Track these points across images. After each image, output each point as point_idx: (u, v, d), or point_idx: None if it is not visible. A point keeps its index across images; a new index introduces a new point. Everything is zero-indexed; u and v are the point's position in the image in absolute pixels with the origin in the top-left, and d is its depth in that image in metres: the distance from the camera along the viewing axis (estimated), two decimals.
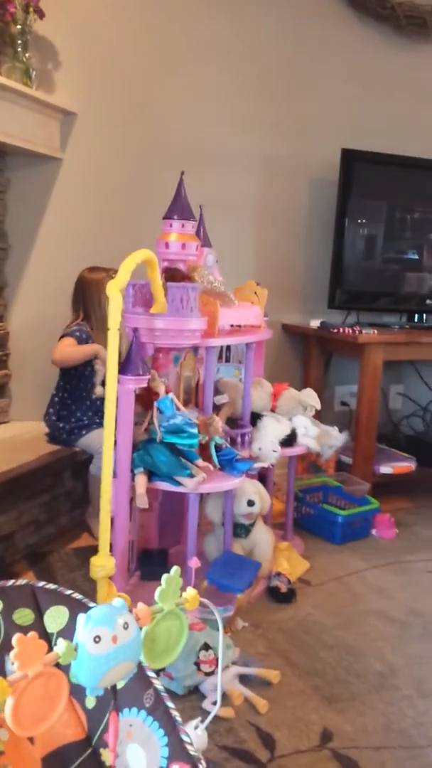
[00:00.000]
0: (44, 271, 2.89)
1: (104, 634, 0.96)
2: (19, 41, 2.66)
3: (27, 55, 2.69)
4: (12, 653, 0.87)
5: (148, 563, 2.28)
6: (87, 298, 2.66)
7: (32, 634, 0.89)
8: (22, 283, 2.90)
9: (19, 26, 2.64)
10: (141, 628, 1.02)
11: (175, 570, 1.09)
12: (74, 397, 2.65)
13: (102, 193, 2.97)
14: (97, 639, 0.95)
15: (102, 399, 2.63)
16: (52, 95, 2.83)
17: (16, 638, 0.87)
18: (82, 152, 2.92)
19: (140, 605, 1.04)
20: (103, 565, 1.87)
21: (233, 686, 1.72)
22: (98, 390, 2.61)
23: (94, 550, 1.96)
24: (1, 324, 2.86)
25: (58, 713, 0.91)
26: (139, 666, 1.16)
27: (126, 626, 0.98)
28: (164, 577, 1.07)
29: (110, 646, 0.96)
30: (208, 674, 1.71)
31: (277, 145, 3.27)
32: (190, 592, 1.11)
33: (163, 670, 1.69)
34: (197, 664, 1.72)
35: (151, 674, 1.22)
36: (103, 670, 0.95)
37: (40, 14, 2.69)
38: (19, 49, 2.67)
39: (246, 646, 1.92)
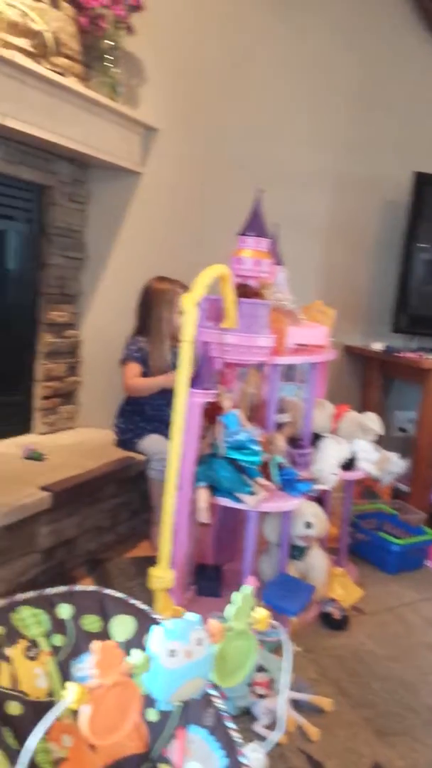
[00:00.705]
0: (118, 282, 2.95)
1: (179, 649, 0.97)
2: (109, 56, 2.74)
3: (115, 70, 2.76)
4: (92, 660, 0.89)
5: (203, 578, 2.29)
6: (148, 308, 2.70)
7: (112, 642, 0.91)
8: (96, 292, 2.97)
9: (109, 42, 2.72)
10: (213, 646, 1.03)
11: (249, 589, 1.09)
12: (135, 407, 2.70)
13: (178, 207, 3.02)
14: (171, 652, 0.96)
15: (161, 409, 2.66)
16: (136, 110, 2.89)
17: (96, 646, 0.89)
18: (161, 167, 2.97)
19: (213, 622, 1.05)
20: (162, 576, 1.90)
21: (286, 711, 1.71)
22: None
23: (151, 560, 2.00)
24: (73, 332, 2.93)
25: (130, 724, 0.93)
26: None
27: (200, 642, 1.00)
28: (237, 595, 1.08)
29: (184, 661, 0.98)
30: (261, 696, 1.71)
31: (350, 164, 3.26)
32: (261, 612, 1.12)
33: (215, 687, 1.69)
34: (251, 685, 1.71)
35: (213, 693, 1.22)
36: (176, 685, 0.96)
37: (130, 30, 2.76)
38: (108, 64, 2.74)
39: (298, 672, 1.91)
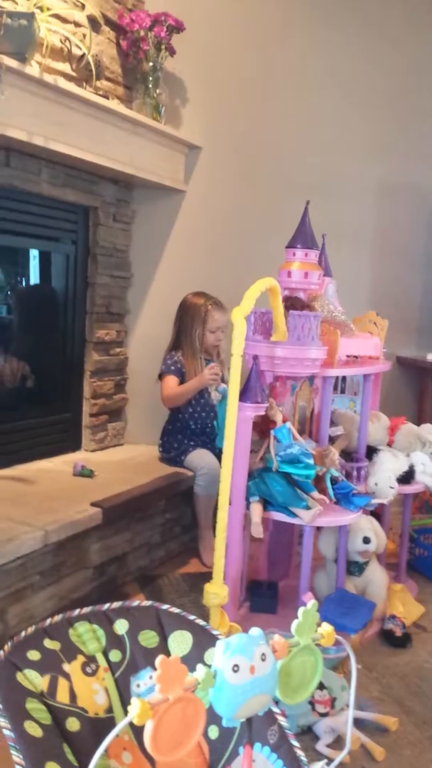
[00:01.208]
0: (163, 299, 2.96)
1: (243, 664, 0.93)
2: (151, 78, 2.77)
3: (157, 91, 2.79)
4: (155, 675, 0.87)
5: (257, 595, 2.25)
6: (182, 322, 2.73)
7: (175, 657, 0.88)
8: (142, 310, 2.99)
9: (150, 63, 2.75)
10: (277, 662, 0.99)
11: (312, 604, 1.05)
12: (179, 423, 2.71)
13: (223, 223, 3.02)
14: (235, 668, 0.93)
15: (205, 423, 2.66)
16: (179, 129, 2.92)
17: (159, 660, 0.87)
18: (204, 184, 2.99)
19: (277, 637, 1.02)
20: (217, 593, 1.86)
21: (350, 730, 1.65)
22: (214, 395, 2.64)
23: (203, 576, 1.97)
24: (121, 350, 2.94)
25: (194, 740, 0.90)
26: None
27: (263, 658, 0.96)
28: (301, 610, 1.04)
29: (248, 677, 0.94)
30: (322, 715, 1.66)
31: (398, 173, 3.22)
32: (326, 627, 1.07)
33: (276, 704, 1.65)
34: (312, 703, 1.66)
35: (276, 710, 1.19)
36: (241, 701, 0.93)
37: (171, 52, 2.79)
38: (150, 85, 2.78)
39: (360, 690, 1.85)
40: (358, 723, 1.69)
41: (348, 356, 2.34)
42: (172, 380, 2.66)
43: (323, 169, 3.09)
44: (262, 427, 2.12)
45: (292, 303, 2.17)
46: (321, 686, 1.68)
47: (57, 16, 2.31)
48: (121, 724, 0.83)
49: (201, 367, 2.66)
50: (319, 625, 1.07)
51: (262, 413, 2.04)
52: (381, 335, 2.45)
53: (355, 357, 2.39)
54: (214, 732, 1.24)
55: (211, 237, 3.01)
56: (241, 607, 2.23)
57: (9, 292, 2.78)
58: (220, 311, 2.68)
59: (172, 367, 2.68)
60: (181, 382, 2.67)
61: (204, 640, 1.31)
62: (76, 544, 2.11)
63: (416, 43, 3.18)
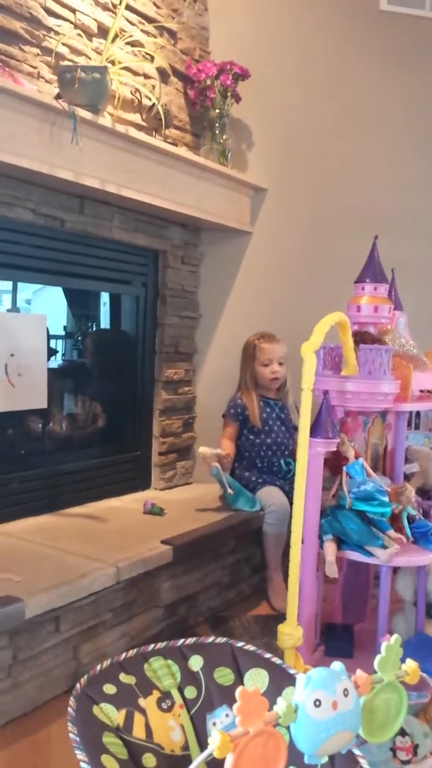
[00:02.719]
0: (230, 338, 2.98)
1: (324, 699, 0.90)
2: (217, 124, 2.85)
3: (224, 137, 2.86)
4: (235, 707, 0.84)
5: (332, 638, 2.17)
6: (242, 363, 2.75)
7: (255, 689, 0.86)
8: (209, 349, 3.02)
9: (217, 110, 2.83)
10: (360, 698, 0.95)
11: (395, 639, 1.01)
12: (241, 461, 2.72)
13: (289, 262, 3.04)
14: (317, 703, 0.90)
15: (272, 461, 2.63)
16: (245, 173, 2.97)
17: (239, 691, 0.84)
18: (270, 225, 3.02)
19: (359, 672, 0.98)
20: (291, 634, 1.81)
21: None
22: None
23: (275, 619, 1.92)
24: (189, 388, 2.97)
25: None
26: None
27: (346, 693, 0.92)
28: (384, 645, 1.00)
29: (330, 713, 0.90)
30: (404, 762, 1.57)
31: None
32: (411, 664, 1.03)
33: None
34: (393, 750, 1.58)
35: (358, 752, 1.13)
36: (323, 737, 0.89)
37: (237, 99, 2.87)
38: (217, 132, 2.86)
39: None
40: None
41: (422, 391, 2.29)
42: (228, 428, 2.71)
43: (390, 207, 3.08)
44: (334, 463, 2.08)
45: (362, 337, 2.15)
46: (403, 732, 1.60)
47: (128, 69, 2.42)
48: (202, 757, 0.81)
49: (256, 406, 2.69)
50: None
51: (334, 449, 2.00)
52: None
53: (429, 391, 2.34)
54: None
55: (278, 277, 3.03)
56: (316, 650, 2.16)
57: (80, 336, 2.86)
58: (268, 342, 2.68)
59: (231, 410, 2.72)
60: (243, 422, 2.69)
61: (281, 678, 1.27)
62: (147, 582, 2.10)
63: None
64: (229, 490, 2.53)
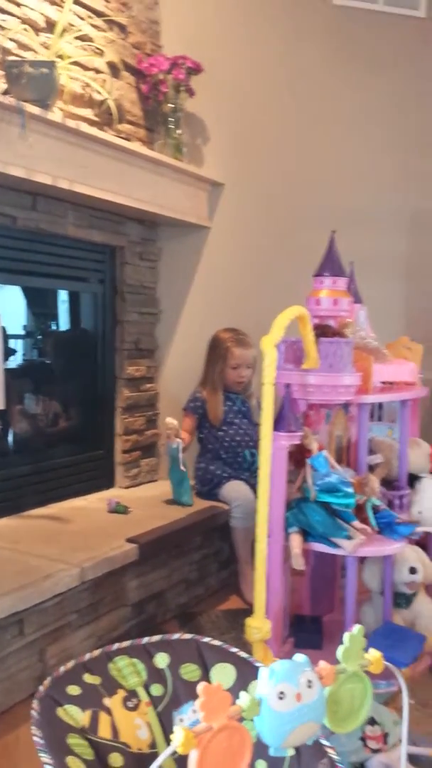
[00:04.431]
0: (192, 334, 2.97)
1: (288, 691, 0.89)
2: (171, 119, 2.83)
3: (178, 131, 2.84)
4: (197, 702, 0.83)
5: (301, 630, 2.17)
6: (208, 357, 2.75)
7: (217, 683, 0.85)
8: (171, 345, 3.00)
9: (170, 105, 2.81)
10: (324, 689, 0.94)
11: (358, 628, 1.01)
12: (205, 453, 2.72)
13: (248, 257, 3.03)
14: (281, 695, 0.89)
15: (237, 454, 2.63)
16: (201, 168, 2.96)
17: (202, 687, 0.83)
18: (229, 219, 3.02)
19: (323, 663, 0.97)
20: (259, 627, 1.81)
21: (404, 766, 1.56)
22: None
23: (243, 613, 1.91)
24: (151, 385, 2.95)
25: None
26: None
27: (310, 684, 0.92)
28: (347, 635, 1.00)
29: (294, 704, 0.89)
30: (375, 751, 1.58)
31: (426, 200, 3.20)
32: (374, 653, 1.02)
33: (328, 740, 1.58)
34: (363, 739, 1.59)
35: (326, 743, 1.13)
36: (288, 729, 0.88)
37: (191, 93, 2.85)
38: (171, 126, 2.83)
39: (413, 726, 1.75)
40: (413, 759, 1.61)
41: (383, 383, 2.30)
42: (187, 421, 2.71)
43: (350, 201, 3.09)
44: (298, 456, 2.08)
45: (322, 330, 2.15)
46: (373, 721, 1.61)
47: (77, 64, 2.38)
48: (165, 754, 0.79)
49: (221, 403, 2.70)
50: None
51: (297, 442, 2.00)
52: (416, 360, 2.41)
53: (391, 383, 2.35)
54: (261, 766, 1.18)
55: (238, 271, 3.02)
56: (285, 643, 2.16)
57: (40, 335, 2.81)
58: (241, 347, 2.68)
59: (191, 404, 2.73)
60: (202, 416, 2.71)
61: (247, 672, 1.26)
62: (113, 581, 2.08)
63: None
64: (182, 467, 2.54)
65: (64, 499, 2.56)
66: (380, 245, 3.12)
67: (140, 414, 2.90)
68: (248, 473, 2.64)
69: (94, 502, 2.59)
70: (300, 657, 0.95)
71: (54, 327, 2.86)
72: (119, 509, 2.44)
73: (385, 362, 2.24)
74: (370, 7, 3.09)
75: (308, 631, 2.16)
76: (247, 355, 2.68)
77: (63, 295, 2.85)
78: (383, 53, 3.13)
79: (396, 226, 3.18)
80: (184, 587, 2.45)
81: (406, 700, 1.09)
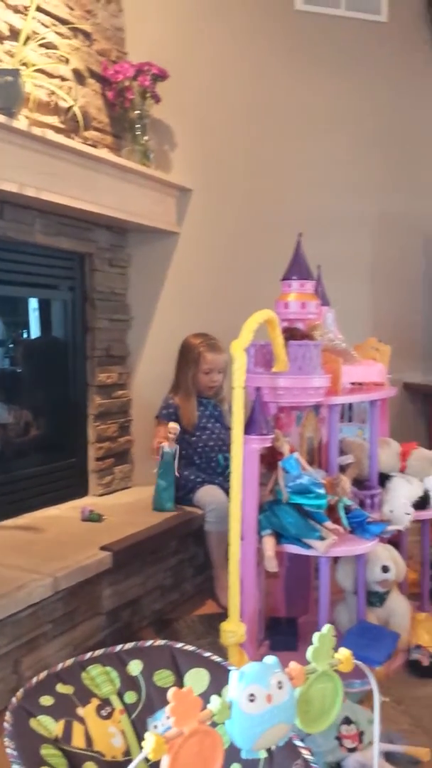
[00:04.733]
0: (163, 340, 2.97)
1: (258, 693, 0.90)
2: (138, 125, 2.83)
3: (145, 137, 2.84)
4: (167, 708, 0.83)
5: (276, 632, 2.18)
6: (179, 362, 2.76)
7: (188, 688, 0.85)
8: (143, 352, 3.00)
9: (137, 111, 2.81)
10: (295, 689, 0.95)
11: (327, 628, 1.02)
12: (182, 460, 2.68)
13: (218, 262, 3.05)
14: (251, 697, 0.89)
15: (211, 459, 2.64)
16: (169, 173, 2.97)
17: (172, 692, 0.83)
18: (197, 225, 3.03)
19: (293, 664, 0.98)
20: (234, 631, 1.82)
21: (381, 764, 1.58)
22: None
23: (219, 617, 1.92)
24: (123, 392, 2.94)
25: None
26: None
27: (280, 686, 0.92)
28: (316, 635, 1.01)
29: (265, 706, 0.90)
30: (350, 750, 1.59)
31: (391, 203, 3.26)
32: (344, 652, 1.04)
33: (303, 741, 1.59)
34: (339, 738, 1.60)
35: (299, 743, 1.14)
36: (259, 731, 0.89)
37: (157, 99, 2.86)
38: (138, 133, 2.83)
39: (389, 723, 1.78)
40: (389, 757, 1.62)
41: (352, 384, 2.33)
42: (159, 428, 2.69)
43: (317, 206, 3.13)
44: (270, 459, 2.09)
45: (291, 333, 2.16)
46: (348, 721, 1.62)
47: (42, 71, 2.38)
48: (136, 761, 0.80)
49: (194, 409, 2.70)
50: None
51: (269, 445, 2.01)
52: (384, 361, 2.44)
53: (360, 384, 2.38)
54: (235, 767, 1.18)
55: (208, 276, 3.04)
56: (261, 645, 2.17)
57: (11, 344, 2.79)
58: (213, 352, 2.69)
59: (164, 411, 2.72)
60: (180, 425, 2.66)
61: (221, 676, 1.26)
62: (87, 590, 2.07)
63: (396, 75, 3.26)
64: (176, 473, 2.56)
65: (37, 508, 2.54)
66: (346, 248, 3.16)
67: (113, 421, 2.89)
68: (222, 477, 2.64)
69: (68, 510, 2.57)
70: (270, 659, 0.96)
71: (24, 335, 2.84)
72: (93, 517, 2.43)
73: (354, 363, 2.26)
74: (333, 12, 3.14)
75: (283, 633, 2.16)
76: (219, 359, 2.69)
77: (33, 303, 2.84)
78: (346, 57, 3.18)
79: (361, 228, 3.23)
80: (160, 593, 2.44)
81: (377, 698, 1.10)
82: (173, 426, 2.54)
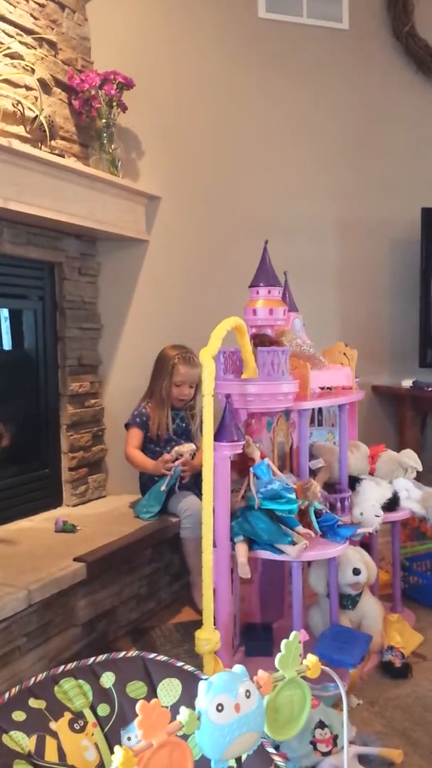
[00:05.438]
0: (135, 348, 2.98)
1: (226, 702, 0.91)
2: (105, 134, 2.83)
3: (112, 146, 2.84)
4: (135, 721, 0.84)
5: (252, 638, 2.20)
6: (154, 372, 2.77)
7: (155, 701, 0.86)
8: (114, 360, 3.00)
9: (104, 120, 2.81)
10: (263, 697, 0.97)
11: (294, 635, 1.04)
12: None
13: (188, 269, 3.06)
14: (219, 707, 0.91)
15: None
16: (137, 182, 2.97)
17: (139, 705, 0.84)
18: (167, 232, 3.03)
19: (261, 672, 0.99)
20: (208, 638, 1.82)
21: (354, 767, 1.60)
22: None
23: (196, 625, 1.92)
24: (96, 401, 2.94)
25: None
26: None
27: (248, 694, 0.94)
28: (283, 642, 1.02)
29: (233, 715, 0.91)
30: (325, 754, 1.61)
31: (355, 209, 3.30)
32: (311, 659, 1.05)
33: (277, 748, 1.60)
34: (313, 743, 1.62)
35: (271, 750, 1.15)
36: (227, 741, 0.90)
37: (123, 108, 2.86)
38: (105, 141, 2.83)
39: (363, 725, 1.80)
40: (363, 759, 1.64)
41: (321, 388, 2.35)
42: (133, 433, 2.72)
43: (282, 212, 3.16)
44: (241, 465, 2.11)
45: (260, 340, 2.18)
46: (322, 725, 1.64)
47: (7, 81, 2.37)
48: None
49: (166, 419, 2.71)
50: (303, 657, 1.05)
51: (240, 451, 2.02)
52: (352, 365, 2.47)
53: (329, 388, 2.40)
54: None
55: (178, 283, 3.05)
56: (237, 652, 2.18)
57: None
58: (186, 365, 2.70)
59: (137, 419, 2.73)
60: (146, 432, 2.72)
61: (194, 686, 1.26)
62: (61, 602, 2.06)
63: (361, 83, 3.30)
64: (176, 489, 2.61)
65: (9, 521, 2.52)
66: (313, 253, 3.20)
67: (86, 430, 2.88)
68: (193, 484, 2.64)
69: (41, 522, 2.56)
70: (238, 668, 0.97)
71: None
72: (67, 528, 2.42)
73: (322, 368, 2.29)
74: (295, 20, 3.17)
75: (259, 638, 2.18)
76: (192, 373, 2.70)
77: (3, 314, 2.82)
78: (309, 65, 3.22)
79: (327, 234, 3.27)
80: (135, 603, 2.44)
81: (345, 703, 1.12)
82: (190, 446, 2.60)
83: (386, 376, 3.37)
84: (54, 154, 2.51)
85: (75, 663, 1.30)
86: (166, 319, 2.99)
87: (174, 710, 1.09)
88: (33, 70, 2.53)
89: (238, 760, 0.96)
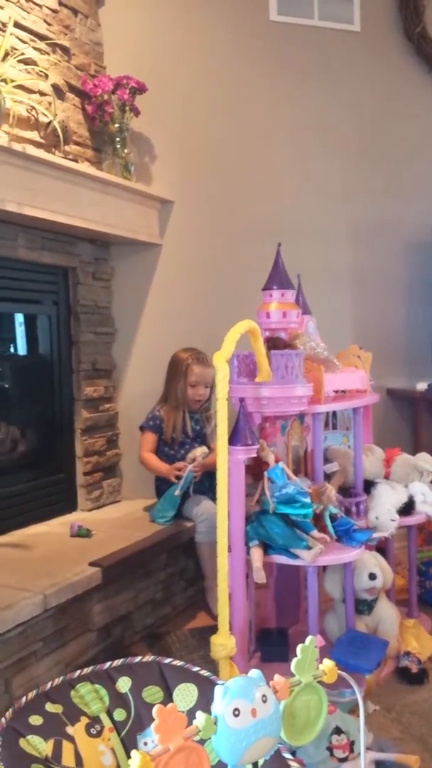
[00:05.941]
0: (148, 352, 2.98)
1: (243, 707, 0.91)
2: (118, 138, 2.84)
3: (125, 150, 2.85)
4: (152, 726, 0.84)
5: (267, 644, 2.18)
6: (168, 375, 2.77)
7: (171, 705, 0.85)
8: (128, 364, 3.00)
9: (116, 125, 2.82)
10: (279, 702, 0.96)
11: (310, 639, 1.03)
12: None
13: (201, 272, 3.06)
14: (236, 712, 0.90)
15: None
16: (150, 186, 2.98)
17: (156, 710, 0.84)
18: (180, 236, 3.04)
19: (277, 677, 0.99)
20: (224, 644, 1.81)
21: None
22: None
23: (211, 630, 1.91)
24: (110, 405, 2.94)
25: None
26: None
27: (264, 699, 0.93)
28: (299, 647, 1.02)
29: (250, 720, 0.91)
30: (342, 760, 1.59)
31: (369, 211, 3.28)
32: (328, 663, 1.04)
33: (294, 754, 1.59)
34: (330, 749, 1.60)
35: (288, 756, 1.14)
36: (244, 745, 0.89)
37: (136, 112, 2.87)
38: (118, 146, 2.84)
39: (380, 731, 1.79)
40: (380, 765, 1.62)
41: (335, 391, 2.34)
42: (147, 437, 2.72)
43: (297, 214, 3.15)
44: (256, 469, 2.10)
45: (273, 343, 2.18)
46: (338, 731, 1.63)
47: (22, 87, 2.38)
48: None
49: (180, 422, 2.71)
50: (319, 662, 1.04)
51: (254, 455, 2.02)
52: (366, 368, 2.46)
53: (343, 392, 2.39)
54: None
55: (191, 287, 3.05)
56: (252, 657, 2.17)
57: None
58: (200, 366, 2.70)
59: (150, 422, 2.73)
60: (160, 435, 2.71)
61: (209, 691, 1.26)
62: (77, 606, 2.06)
63: (374, 84, 3.29)
64: (190, 492, 2.60)
65: (25, 525, 2.53)
66: (327, 256, 3.18)
67: (100, 435, 2.89)
68: (208, 489, 2.64)
69: (57, 526, 2.56)
70: (254, 672, 0.97)
71: (9, 351, 2.84)
72: (82, 533, 2.42)
73: (336, 371, 2.28)
74: (307, 23, 3.17)
75: (274, 644, 2.16)
76: (206, 373, 2.69)
77: (18, 318, 2.84)
78: (321, 67, 3.21)
79: (341, 236, 3.26)
80: (151, 608, 2.44)
81: (362, 708, 1.11)
82: (204, 450, 2.60)
83: (401, 379, 3.35)
84: (68, 159, 2.53)
85: (91, 668, 1.30)
86: (180, 323, 2.99)
87: (190, 715, 1.09)
88: (46, 76, 2.55)
89: (254, 765, 0.95)
